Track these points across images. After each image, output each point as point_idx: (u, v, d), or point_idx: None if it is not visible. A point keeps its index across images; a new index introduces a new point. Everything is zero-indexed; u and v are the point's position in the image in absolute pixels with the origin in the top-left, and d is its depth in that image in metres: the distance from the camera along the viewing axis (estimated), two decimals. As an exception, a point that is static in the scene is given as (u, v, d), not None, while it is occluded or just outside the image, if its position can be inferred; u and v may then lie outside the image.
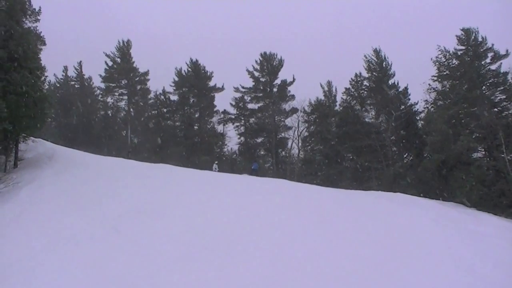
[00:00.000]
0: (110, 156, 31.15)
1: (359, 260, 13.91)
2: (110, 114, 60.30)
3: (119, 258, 12.52)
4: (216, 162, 41.38)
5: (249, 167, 43.99)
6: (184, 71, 58.74)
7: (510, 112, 39.59)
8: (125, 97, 58.52)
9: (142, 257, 12.63)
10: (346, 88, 54.40)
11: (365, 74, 53.79)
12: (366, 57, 53.46)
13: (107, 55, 57.46)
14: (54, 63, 48.69)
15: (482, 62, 42.63)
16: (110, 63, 57.48)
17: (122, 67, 57.13)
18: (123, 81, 57.82)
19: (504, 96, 41.21)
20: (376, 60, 53.24)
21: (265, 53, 58.19)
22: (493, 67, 42.40)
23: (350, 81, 54.35)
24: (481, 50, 42.66)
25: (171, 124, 57.49)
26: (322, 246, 15.18)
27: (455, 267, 14.51)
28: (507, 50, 41.61)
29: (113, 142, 53.05)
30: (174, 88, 58.51)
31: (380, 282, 12.29)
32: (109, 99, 60.89)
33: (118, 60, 57.83)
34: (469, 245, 18.38)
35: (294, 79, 57.00)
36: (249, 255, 13.15)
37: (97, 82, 60.33)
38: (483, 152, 41.17)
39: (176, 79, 58.51)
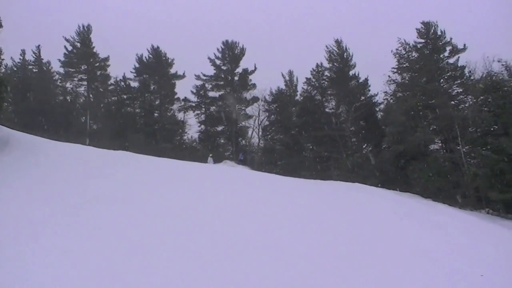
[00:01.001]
0: (69, 142, 30.32)
1: (319, 249, 13.93)
2: (69, 100, 58.73)
3: (82, 246, 12.22)
4: (210, 155, 41.08)
5: (236, 157, 44.16)
6: (145, 57, 57.74)
7: (466, 105, 40.40)
8: (85, 83, 57.04)
9: (105, 244, 12.35)
10: (307, 78, 54.53)
11: (326, 64, 54.00)
12: (327, 48, 53.64)
13: (67, 40, 55.85)
14: (11, 46, 47.28)
15: (441, 56, 43.37)
16: (69, 48, 56.05)
17: (82, 52, 55.61)
18: (83, 67, 56.32)
19: (461, 90, 42.05)
20: (337, 51, 53.43)
21: (227, 41, 57.81)
22: (451, 60, 43.23)
23: (311, 71, 54.48)
24: (440, 43, 43.35)
25: (131, 111, 56.53)
26: (281, 234, 15.16)
27: (415, 256, 14.69)
28: (464, 45, 42.44)
29: (72, 128, 51.81)
30: (135, 74, 57.45)
31: (340, 270, 12.34)
32: (68, 84, 59.24)
33: (78, 45, 56.30)
34: (429, 234, 18.69)
35: (255, 68, 56.82)
36: (208, 240, 13.03)
37: (56, 67, 58.70)
38: (440, 144, 42.02)
39: (137, 65, 57.47)
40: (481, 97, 33.21)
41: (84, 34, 56.73)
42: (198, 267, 10.82)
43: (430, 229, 19.67)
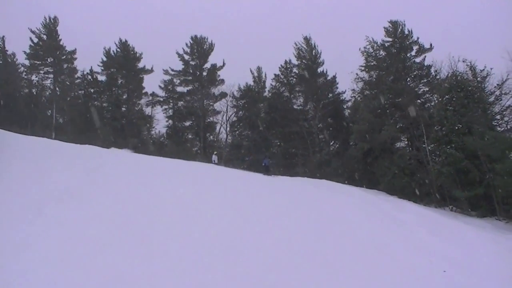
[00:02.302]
0: (34, 136, 29.67)
1: (288, 245, 13.95)
2: (35, 93, 57.50)
3: (43, 241, 11.97)
4: (215, 152, 40.10)
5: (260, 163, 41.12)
6: (113, 51, 56.77)
7: (431, 103, 40.97)
8: (51, 76, 55.82)
9: (68, 240, 12.12)
10: (275, 75, 54.75)
11: (294, 61, 54.22)
12: (296, 45, 53.86)
13: (32, 32, 54.58)
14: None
15: (408, 55, 43.95)
16: (35, 40, 54.78)
17: (48, 44, 54.49)
18: (49, 59, 55.13)
19: (427, 89, 42.69)
20: (306, 48, 53.71)
21: (195, 36, 57.30)
22: (418, 59, 43.85)
23: (279, 68, 54.69)
24: (407, 42, 43.90)
25: (98, 105, 55.59)
26: (248, 230, 15.12)
27: (379, 253, 14.83)
28: (431, 44, 43.12)
29: (37, 121, 50.69)
30: (102, 68, 56.30)
31: (307, 266, 12.37)
32: (33, 77, 57.88)
33: (44, 37, 55.15)
34: (392, 231, 18.92)
35: (224, 64, 56.49)
36: (173, 237, 12.92)
37: (21, 59, 57.31)
38: (406, 142, 42.55)
39: (105, 59, 56.54)
40: (446, 96, 33.63)
41: (51, 26, 55.54)
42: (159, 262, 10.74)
43: (394, 226, 19.95)
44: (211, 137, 57.45)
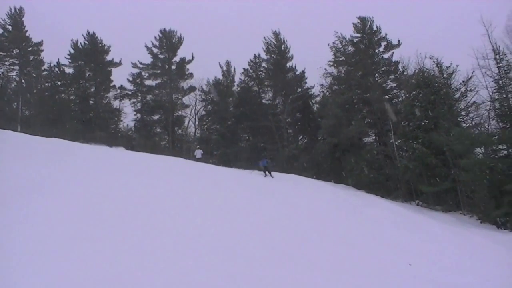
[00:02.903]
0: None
1: (250, 237, 13.94)
2: (0, 85, 56.24)
3: (7, 235, 11.71)
4: (198, 146, 39.55)
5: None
6: (81, 43, 55.58)
7: (399, 99, 41.44)
8: (17, 67, 54.60)
9: (33, 234, 11.86)
10: (244, 69, 54.55)
11: (264, 56, 54.16)
12: (265, 39, 53.82)
13: (-4, 22, 53.57)
14: None
15: (376, 51, 44.33)
16: (0, 31, 53.32)
17: (14, 35, 53.22)
18: (15, 51, 53.92)
19: (395, 84, 43.21)
20: (275, 42, 53.71)
21: (164, 29, 56.57)
22: (386, 55, 44.33)
23: (248, 62, 54.53)
24: (376, 38, 44.27)
25: (65, 98, 54.60)
26: (217, 221, 15.06)
27: (347, 246, 14.93)
28: (399, 41, 43.56)
29: (2, 113, 49.49)
30: (70, 60, 55.17)
31: (270, 260, 12.38)
32: (-2, 69, 56.78)
33: (10, 28, 53.91)
34: (358, 225, 19.08)
35: (193, 57, 56.00)
36: (139, 229, 12.78)
37: (-15, 50, 56.00)
38: (374, 137, 42.98)
39: (72, 51, 55.44)
40: (413, 92, 34.02)
41: (16, 17, 54.31)
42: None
43: (361, 220, 20.11)
44: (180, 131, 57.04)
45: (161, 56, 56.36)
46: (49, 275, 9.05)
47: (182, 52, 56.56)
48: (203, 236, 13.29)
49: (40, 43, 55.18)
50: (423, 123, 32.01)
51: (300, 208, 20.68)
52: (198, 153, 36.06)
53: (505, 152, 29.88)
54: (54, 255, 10.13)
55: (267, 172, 29.54)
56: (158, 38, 56.42)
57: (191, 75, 55.84)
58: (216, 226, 14.46)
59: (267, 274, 10.84)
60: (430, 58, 36.23)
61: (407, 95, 36.41)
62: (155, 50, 56.09)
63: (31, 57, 55.27)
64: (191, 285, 9.54)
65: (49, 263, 9.66)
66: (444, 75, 35.67)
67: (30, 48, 55.11)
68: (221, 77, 56.14)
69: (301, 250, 13.57)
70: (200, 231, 13.57)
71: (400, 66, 42.74)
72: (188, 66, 56.26)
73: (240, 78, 55.49)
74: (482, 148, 30.66)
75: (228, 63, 57.15)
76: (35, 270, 9.17)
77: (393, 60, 43.63)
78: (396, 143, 35.82)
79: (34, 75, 55.82)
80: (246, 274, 10.58)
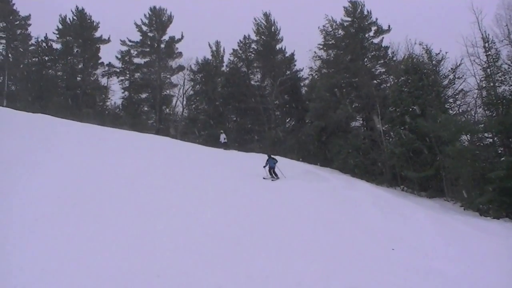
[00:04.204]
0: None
1: (231, 219, 14.01)
2: (-15, 59, 55.48)
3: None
4: (221, 131, 38.34)
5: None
6: (69, 19, 54.81)
7: (387, 85, 41.48)
8: (3, 41, 53.80)
9: (15, 213, 11.77)
10: (234, 50, 54.27)
11: (253, 37, 53.89)
12: (256, 20, 53.53)
13: (-17, -5, 52.66)
14: None
15: (366, 35, 44.28)
16: (-14, 4, 52.77)
17: (0, 8, 52.39)
18: (1, 24, 53.01)
19: (384, 70, 43.28)
20: (265, 24, 53.44)
21: (154, 7, 56.04)
22: (375, 40, 44.34)
23: (238, 43, 54.21)
24: (366, 23, 44.19)
25: (52, 73, 54.03)
26: (201, 203, 15.08)
27: (326, 229, 15.03)
28: (389, 26, 43.58)
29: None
30: (58, 36, 54.49)
31: (253, 239, 12.44)
32: (-16, 42, 55.94)
33: (-4, 0, 53.21)
34: (341, 208, 19.19)
35: (182, 37, 55.55)
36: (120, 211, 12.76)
37: (-29, 23, 55.15)
38: (361, 122, 43.10)
39: (60, 26, 54.77)
40: (402, 78, 34.06)
41: (3, -11, 53.55)
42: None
43: (342, 203, 20.23)
44: (167, 110, 56.79)
45: (150, 34, 55.84)
46: (36, 248, 9.04)
47: (171, 31, 56.15)
48: (187, 215, 13.32)
49: (27, 17, 54.36)
50: (410, 109, 32.08)
51: (282, 191, 20.78)
52: (222, 137, 35.63)
53: (490, 140, 30.18)
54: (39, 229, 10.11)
55: (274, 174, 24.43)
56: (147, 15, 55.87)
57: (180, 54, 55.52)
58: (193, 206, 14.51)
59: (246, 257, 10.91)
60: (420, 44, 36.19)
61: (396, 80, 36.42)
62: (144, 28, 55.58)
63: (18, 31, 54.46)
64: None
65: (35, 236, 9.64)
66: (433, 62, 35.64)
67: (17, 22, 54.29)
68: (210, 57, 55.86)
69: (280, 233, 13.65)
70: (181, 210, 13.61)
71: (389, 51, 42.82)
72: (177, 45, 55.89)
73: (229, 59, 55.25)
74: (468, 135, 30.84)
75: (217, 43, 56.82)
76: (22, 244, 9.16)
77: (383, 45, 43.72)
78: (383, 128, 35.89)
79: (21, 50, 55.07)
80: (220, 254, 10.66)
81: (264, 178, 23.82)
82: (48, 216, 11.23)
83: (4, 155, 16.32)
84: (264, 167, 24.52)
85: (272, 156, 25.46)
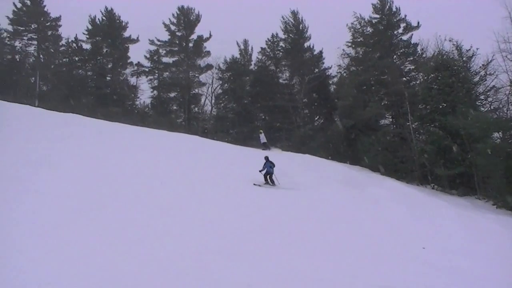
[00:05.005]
0: (17, 103, 29.38)
1: (265, 221, 14.11)
2: (18, 59, 56.44)
3: (17, 207, 11.93)
4: (260, 130, 38.38)
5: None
6: (98, 19, 55.57)
7: (417, 82, 41.09)
8: (35, 42, 54.90)
9: (41, 207, 12.06)
10: (262, 48, 54.16)
11: (281, 35, 53.76)
12: (283, 18, 53.34)
13: (16, -4, 53.69)
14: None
15: (395, 32, 43.87)
16: (19, 5, 53.43)
17: (32, 10, 53.35)
18: (33, 25, 54.08)
19: (413, 67, 42.86)
20: (293, 22, 53.25)
21: (182, 6, 56.30)
22: (404, 37, 43.85)
23: (266, 42, 54.10)
24: (395, 20, 43.76)
25: (82, 74, 54.89)
26: (229, 201, 15.22)
27: (352, 228, 15.04)
28: (418, 22, 42.99)
29: (20, 88, 49.87)
30: (87, 36, 55.22)
31: (279, 237, 12.53)
32: (17, 43, 56.58)
33: (28, 2, 53.95)
34: (370, 208, 19.13)
35: (210, 35, 55.74)
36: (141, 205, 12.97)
37: (4, 24, 56.05)
38: (390, 119, 42.78)
39: (90, 27, 55.51)
40: (432, 75, 33.71)
41: (34, -9, 54.52)
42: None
43: (371, 202, 20.14)
44: (196, 109, 57.18)
45: (178, 34, 56.20)
46: (55, 243, 9.27)
47: (199, 30, 56.38)
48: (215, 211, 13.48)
49: (58, 18, 55.29)
50: (440, 106, 31.77)
51: (309, 189, 20.81)
52: (262, 137, 35.32)
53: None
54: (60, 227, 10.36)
55: (270, 181, 21.95)
56: (175, 15, 56.25)
57: (208, 53, 55.75)
58: (220, 205, 14.65)
59: (271, 257, 10.98)
60: (450, 40, 35.75)
61: (425, 77, 36.04)
62: (172, 28, 55.98)
63: (49, 32, 55.48)
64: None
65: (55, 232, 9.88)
66: (464, 58, 35.20)
67: (48, 23, 55.28)
68: (238, 56, 56.03)
69: (303, 231, 13.71)
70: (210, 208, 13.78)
71: (418, 48, 42.31)
72: (205, 44, 56.15)
73: (257, 57, 55.11)
74: (499, 133, 30.39)
75: (245, 42, 56.89)
76: (41, 240, 9.40)
77: (412, 42, 43.15)
78: (413, 125, 35.57)
79: (52, 50, 56.11)
80: (247, 252, 10.76)
81: (254, 185, 20.86)
82: (75, 213, 11.51)
83: (33, 154, 16.73)
84: (261, 171, 21.97)
85: (269, 160, 22.37)
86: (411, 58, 43.08)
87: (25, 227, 10.07)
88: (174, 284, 8.41)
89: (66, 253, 8.91)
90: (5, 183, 13.23)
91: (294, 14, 53.14)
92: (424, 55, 40.83)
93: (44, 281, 7.50)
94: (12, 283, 7.32)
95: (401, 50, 43.71)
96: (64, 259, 8.61)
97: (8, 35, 55.54)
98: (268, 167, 21.89)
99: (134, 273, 8.60)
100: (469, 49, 35.04)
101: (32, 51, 55.61)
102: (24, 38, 54.64)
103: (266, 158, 22.39)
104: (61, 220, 10.92)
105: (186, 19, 56.08)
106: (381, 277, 10.53)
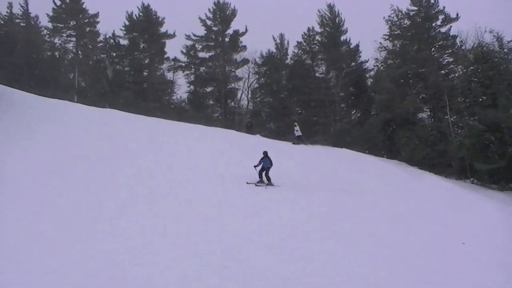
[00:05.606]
0: (56, 99, 30.08)
1: (301, 210, 14.22)
2: (57, 56, 57.73)
3: (59, 201, 12.31)
4: (295, 123, 36.82)
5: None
6: (135, 15, 56.47)
7: (456, 75, 40.44)
8: (73, 39, 56.11)
9: (85, 200, 12.43)
10: (298, 42, 54.06)
11: (317, 29, 53.58)
12: (319, 12, 53.22)
13: (55, -6, 54.83)
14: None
15: (433, 24, 43.16)
16: (58, 3, 54.68)
17: (71, 7, 54.45)
18: (72, 22, 55.25)
19: (452, 59, 42.12)
20: (329, 15, 53.04)
21: (218, 1, 56.59)
22: (443, 29, 43.09)
23: (302, 35, 53.99)
24: (433, 12, 43.07)
25: (120, 69, 55.85)
26: (274, 197, 15.38)
27: (395, 222, 14.98)
28: (457, 14, 42.26)
29: (60, 84, 50.98)
30: (125, 32, 56.19)
31: (319, 231, 12.61)
32: (56, 40, 57.91)
33: (67, 0, 55.39)
34: (409, 202, 19.00)
35: (246, 30, 55.97)
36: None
37: (44, 22, 57.42)
38: (428, 113, 42.23)
39: (127, 23, 56.38)
40: (471, 68, 33.12)
41: (73, -12, 55.58)
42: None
43: (410, 196, 20.00)
44: (232, 103, 57.50)
45: (214, 29, 56.60)
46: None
47: (235, 24, 56.72)
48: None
49: (96, 15, 56.40)
50: (480, 100, 31.23)
51: (348, 181, 20.77)
52: (295, 130, 34.26)
53: None
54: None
55: (267, 179, 19.50)
56: (211, 10, 56.63)
57: (244, 47, 56.00)
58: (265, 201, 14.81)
59: (308, 250, 11.08)
60: (490, 32, 35.06)
61: (464, 70, 35.42)
62: (208, 22, 56.35)
63: (87, 29, 56.70)
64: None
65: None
66: (505, 50, 34.43)
67: (86, 20, 56.47)
68: (274, 50, 56.09)
69: (342, 225, 13.75)
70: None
71: (457, 40, 41.58)
72: (241, 39, 56.41)
73: (293, 51, 55.13)
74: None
75: (281, 36, 56.97)
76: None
77: (451, 34, 42.42)
78: (452, 119, 35.07)
79: (90, 47, 57.31)
80: (287, 245, 10.88)
81: (247, 183, 18.83)
82: (119, 206, 11.83)
83: (77, 148, 17.17)
84: (256, 166, 19.51)
85: (269, 155, 19.77)
86: (450, 51, 42.37)
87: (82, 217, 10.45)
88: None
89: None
90: (47, 176, 13.70)
91: (330, 7, 53.00)
92: (463, 47, 40.18)
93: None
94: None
95: (440, 43, 43.00)
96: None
97: (48, 32, 56.98)
98: (266, 164, 19.47)
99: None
100: (510, 41, 34.31)
101: (71, 48, 57.07)
102: (63, 35, 56.03)
103: (265, 153, 19.71)
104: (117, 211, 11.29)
105: (222, 14, 56.42)
106: (423, 271, 10.49)
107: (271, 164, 19.47)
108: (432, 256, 11.92)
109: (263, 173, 19.36)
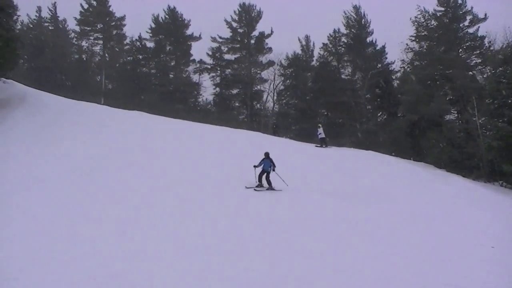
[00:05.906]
0: (83, 101, 30.51)
1: (326, 211, 14.20)
2: (85, 58, 58.62)
3: (86, 201, 12.51)
4: (319, 124, 35.47)
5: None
6: (161, 18, 57.22)
7: (484, 76, 39.91)
8: (100, 42, 57.10)
9: (110, 201, 12.60)
10: (323, 44, 54.05)
11: (343, 30, 53.48)
12: (345, 13, 53.11)
13: (83, -3, 55.80)
14: (27, 2, 46.83)
15: (460, 25, 42.62)
16: (85, 6, 55.68)
17: (98, 10, 55.37)
18: (99, 25, 56.18)
19: (479, 60, 41.55)
20: (355, 17, 52.92)
21: (244, 3, 56.89)
22: (470, 30, 42.49)
23: (328, 37, 53.96)
24: (460, 12, 42.53)
25: (146, 71, 56.52)
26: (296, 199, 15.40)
27: (422, 225, 14.87)
28: (485, 14, 41.64)
29: (87, 86, 51.79)
30: (151, 35, 56.97)
31: (341, 233, 12.59)
32: (84, 43, 59.11)
33: (94, 3, 56.01)
34: (435, 204, 18.84)
35: (272, 32, 56.08)
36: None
37: (72, 25, 58.55)
38: (456, 115, 41.74)
39: (153, 25, 57.08)
40: (500, 68, 32.67)
41: (100, -8, 56.42)
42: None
43: (438, 199, 19.83)
44: (258, 105, 57.64)
45: (240, 31, 56.85)
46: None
47: (261, 26, 56.88)
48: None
49: (122, 18, 57.33)
50: (509, 101, 30.77)
51: (376, 185, 20.67)
52: (319, 132, 32.77)
53: None
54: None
55: (267, 182, 18.23)
56: (237, 12, 56.87)
57: (269, 49, 56.10)
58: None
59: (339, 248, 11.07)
60: (519, 32, 34.58)
61: (493, 71, 34.95)
62: (234, 25, 56.62)
63: (114, 32, 57.75)
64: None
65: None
66: (535, 51, 33.94)
67: (113, 23, 57.49)
68: (300, 52, 56.09)
69: (367, 222, 13.71)
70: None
71: (486, 41, 41.01)
72: (267, 41, 56.54)
73: (319, 53, 55.15)
74: None
75: (307, 38, 57.06)
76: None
77: (479, 35, 41.78)
78: (480, 121, 34.60)
79: (117, 49, 58.26)
80: (308, 248, 10.88)
81: (247, 188, 17.71)
82: (145, 204, 11.99)
83: (104, 150, 17.41)
84: (256, 167, 18.56)
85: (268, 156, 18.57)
86: (478, 52, 41.77)
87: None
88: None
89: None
90: (75, 177, 13.96)
91: (356, 8, 52.87)
92: (491, 48, 39.66)
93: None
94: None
95: (467, 44, 42.42)
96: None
97: (76, 35, 58.06)
98: (267, 166, 18.26)
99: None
100: (541, 41, 33.77)
101: (98, 50, 58.06)
102: (91, 38, 57.18)
103: (266, 154, 18.52)
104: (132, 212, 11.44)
105: (248, 16, 56.61)
106: (452, 276, 10.34)
107: (273, 167, 18.35)
108: (458, 259, 11.80)
109: (264, 176, 18.23)
